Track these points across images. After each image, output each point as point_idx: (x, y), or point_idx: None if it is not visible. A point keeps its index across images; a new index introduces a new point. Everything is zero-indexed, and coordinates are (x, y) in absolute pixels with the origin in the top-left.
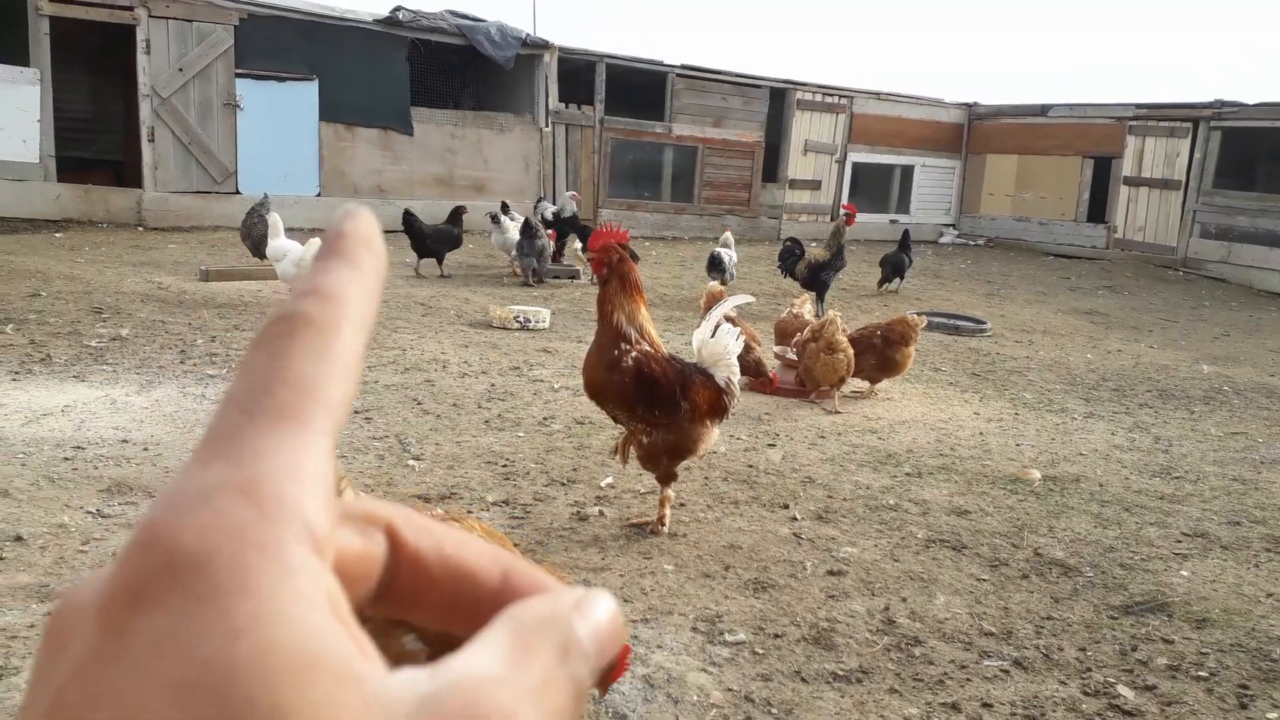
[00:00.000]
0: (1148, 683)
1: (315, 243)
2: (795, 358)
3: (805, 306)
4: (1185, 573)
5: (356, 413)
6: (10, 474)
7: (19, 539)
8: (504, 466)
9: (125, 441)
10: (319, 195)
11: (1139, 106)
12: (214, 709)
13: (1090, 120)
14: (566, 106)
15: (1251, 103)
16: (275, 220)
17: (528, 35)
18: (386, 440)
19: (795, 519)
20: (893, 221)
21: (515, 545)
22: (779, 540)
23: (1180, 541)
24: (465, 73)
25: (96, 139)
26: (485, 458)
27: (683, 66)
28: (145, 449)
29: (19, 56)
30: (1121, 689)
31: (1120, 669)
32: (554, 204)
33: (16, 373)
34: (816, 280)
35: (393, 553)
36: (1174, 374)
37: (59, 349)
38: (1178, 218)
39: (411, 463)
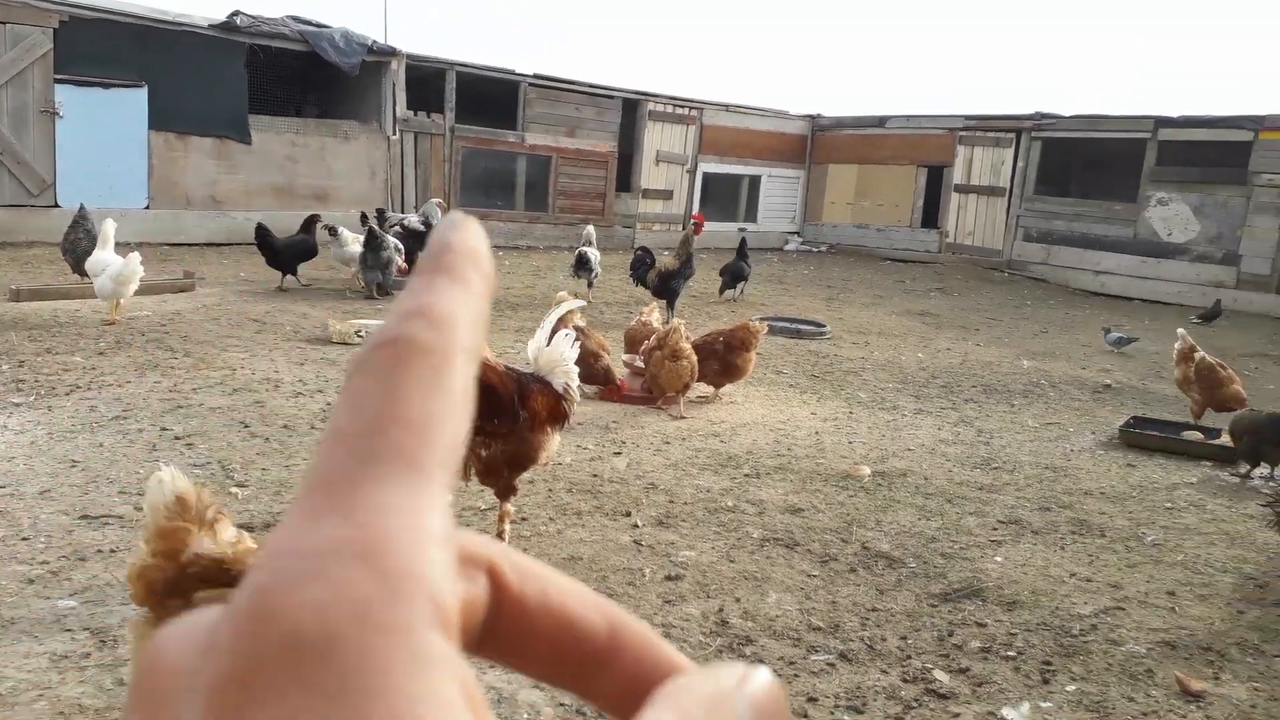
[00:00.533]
0: (961, 665)
1: (136, 257)
2: (643, 365)
3: (654, 314)
4: (999, 558)
5: (177, 439)
6: None
7: None
8: None
9: None
10: (148, 207)
11: (968, 118)
12: None
13: (924, 131)
14: (416, 114)
15: (1067, 114)
16: (107, 229)
17: (374, 42)
18: (208, 467)
19: (637, 526)
20: (741, 230)
21: None
22: (619, 549)
23: (996, 529)
24: (308, 80)
25: None
26: None
27: (535, 76)
28: None
29: None
30: (937, 673)
31: (937, 654)
32: (417, 214)
33: None
34: (666, 288)
35: (495, 597)
36: (997, 370)
37: None
38: (1003, 223)
39: (234, 490)
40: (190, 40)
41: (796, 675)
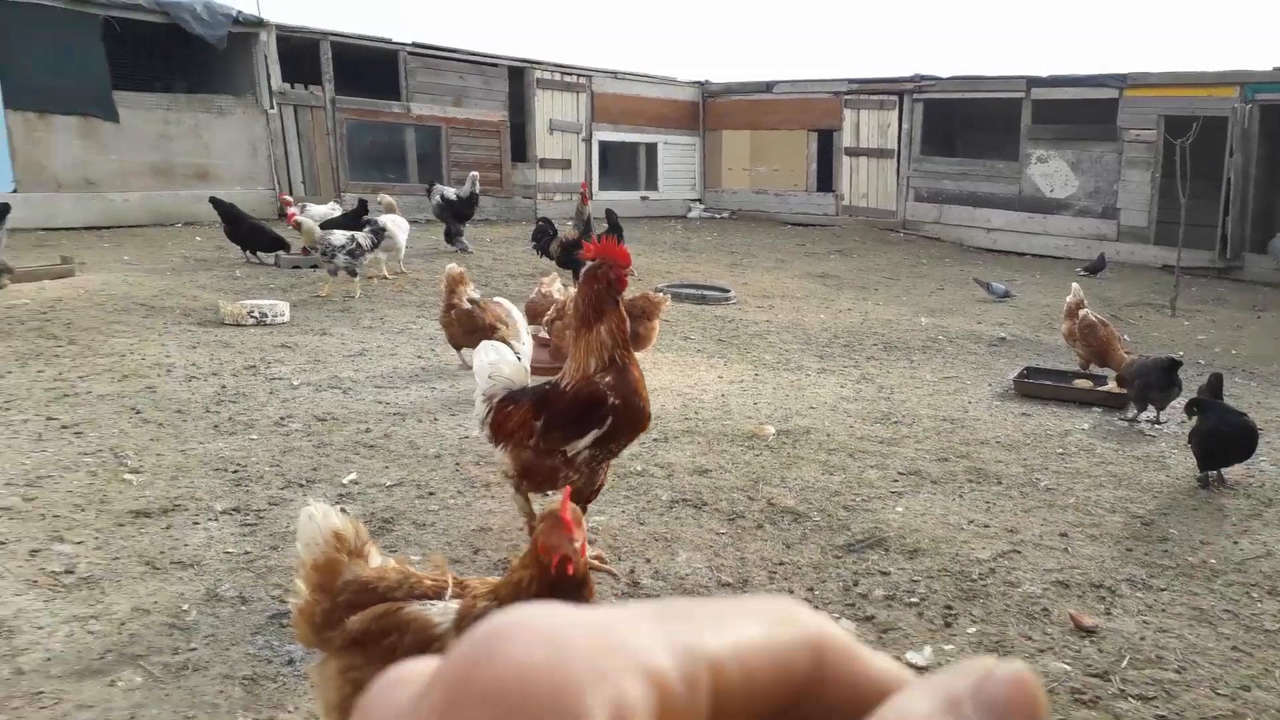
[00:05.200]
0: (867, 613)
1: None
2: (546, 335)
3: (554, 285)
4: (900, 509)
5: (64, 428)
6: None
7: None
8: (234, 472)
9: None
10: (15, 191)
11: (851, 81)
12: None
13: (811, 95)
14: (293, 87)
15: (945, 76)
16: None
17: (239, 12)
18: (100, 455)
19: (546, 495)
20: (644, 199)
21: (246, 553)
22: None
23: (896, 481)
24: (174, 54)
25: None
26: (214, 465)
27: (414, 44)
28: None
29: None
30: (844, 622)
31: (844, 604)
32: (450, 186)
33: None
34: (569, 259)
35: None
36: (896, 327)
37: None
38: (894, 184)
39: (129, 477)
40: (40, 14)
41: None
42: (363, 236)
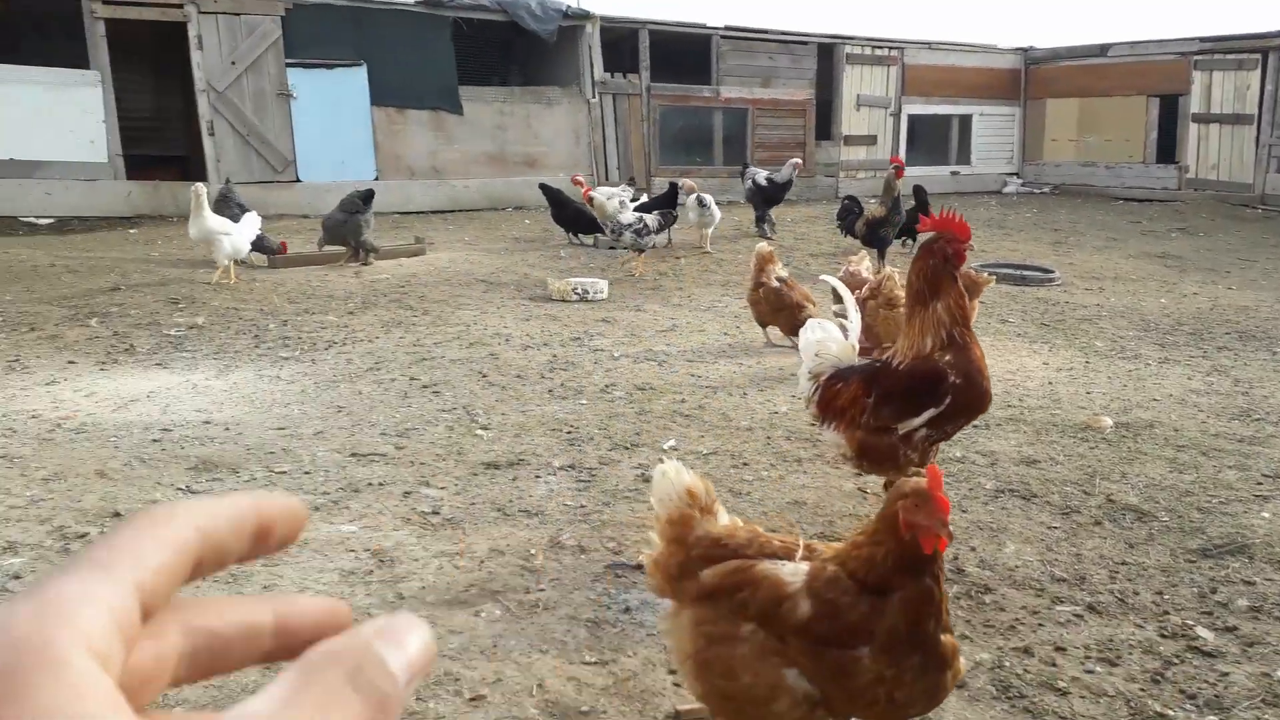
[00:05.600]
0: (1228, 624)
1: (253, 217)
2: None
3: (863, 264)
4: (1266, 514)
5: (425, 387)
6: (105, 456)
7: (116, 515)
8: (568, 433)
9: (208, 423)
10: (376, 179)
11: (1204, 40)
12: None
13: (1152, 58)
14: (612, 76)
15: None
16: (199, 192)
17: (568, 7)
18: (455, 412)
19: (860, 473)
20: (954, 174)
21: (582, 506)
22: (844, 495)
23: (1261, 484)
24: (510, 49)
25: (161, 135)
26: (550, 425)
27: (726, 28)
28: (227, 429)
29: (79, 60)
30: (1201, 630)
31: (1199, 611)
32: (762, 170)
33: (104, 363)
34: (876, 237)
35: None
36: (1254, 315)
37: (141, 339)
38: (1252, 154)
39: (480, 432)
40: (400, 18)
41: (1041, 625)
42: (651, 218)
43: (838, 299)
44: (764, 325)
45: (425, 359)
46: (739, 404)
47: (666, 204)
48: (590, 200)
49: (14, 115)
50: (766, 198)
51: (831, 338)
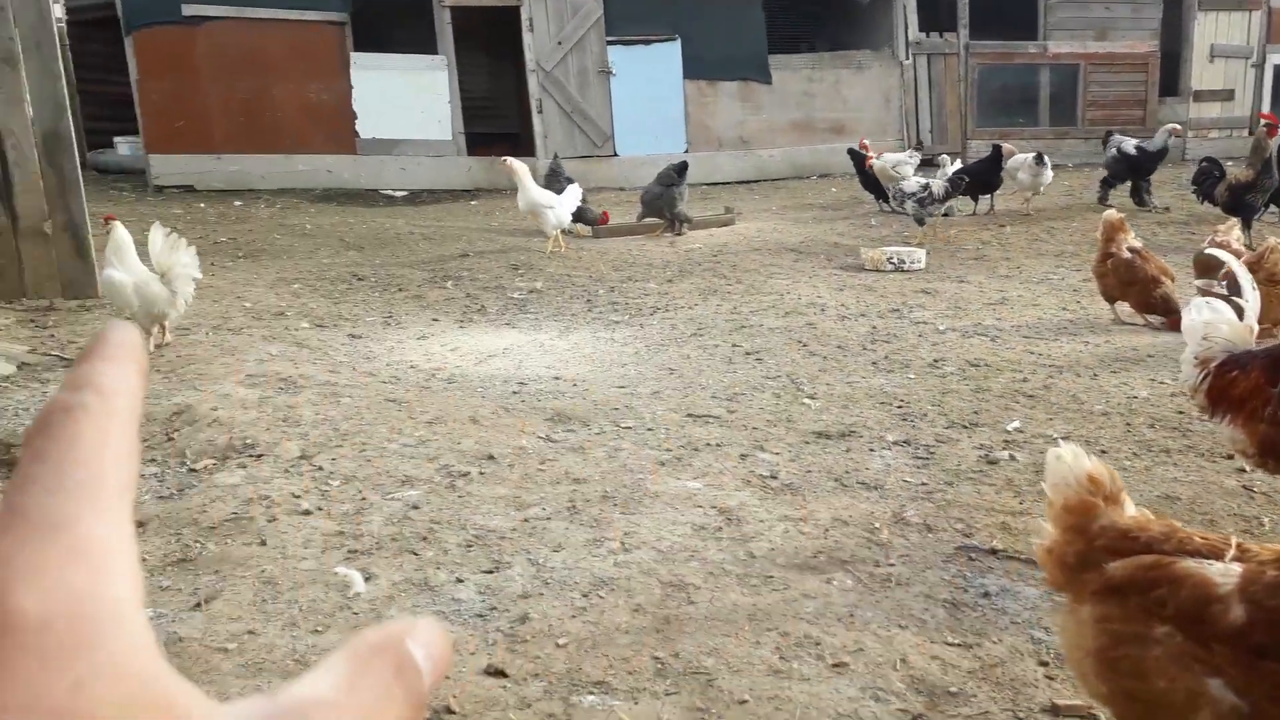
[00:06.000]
0: None
1: (576, 190)
2: (1224, 291)
3: (1232, 233)
4: None
5: (747, 354)
6: (475, 404)
7: (490, 458)
8: (899, 408)
9: (557, 378)
10: (686, 151)
11: None
12: None
13: None
14: (928, 36)
15: None
16: (519, 170)
17: None
18: (779, 380)
19: (1246, 470)
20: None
21: (924, 484)
22: (1225, 493)
23: None
24: (821, 14)
25: (495, 114)
26: (878, 398)
27: None
28: (574, 384)
29: (428, 47)
30: None
31: None
32: (1129, 138)
33: (461, 321)
34: (1241, 203)
35: None
36: None
37: (490, 301)
38: None
39: (806, 401)
40: None
41: None
42: (937, 184)
43: (1204, 273)
44: (1111, 301)
45: (744, 326)
46: (1090, 386)
47: (989, 169)
48: (872, 167)
49: (377, 98)
50: (1134, 167)
51: (1224, 319)
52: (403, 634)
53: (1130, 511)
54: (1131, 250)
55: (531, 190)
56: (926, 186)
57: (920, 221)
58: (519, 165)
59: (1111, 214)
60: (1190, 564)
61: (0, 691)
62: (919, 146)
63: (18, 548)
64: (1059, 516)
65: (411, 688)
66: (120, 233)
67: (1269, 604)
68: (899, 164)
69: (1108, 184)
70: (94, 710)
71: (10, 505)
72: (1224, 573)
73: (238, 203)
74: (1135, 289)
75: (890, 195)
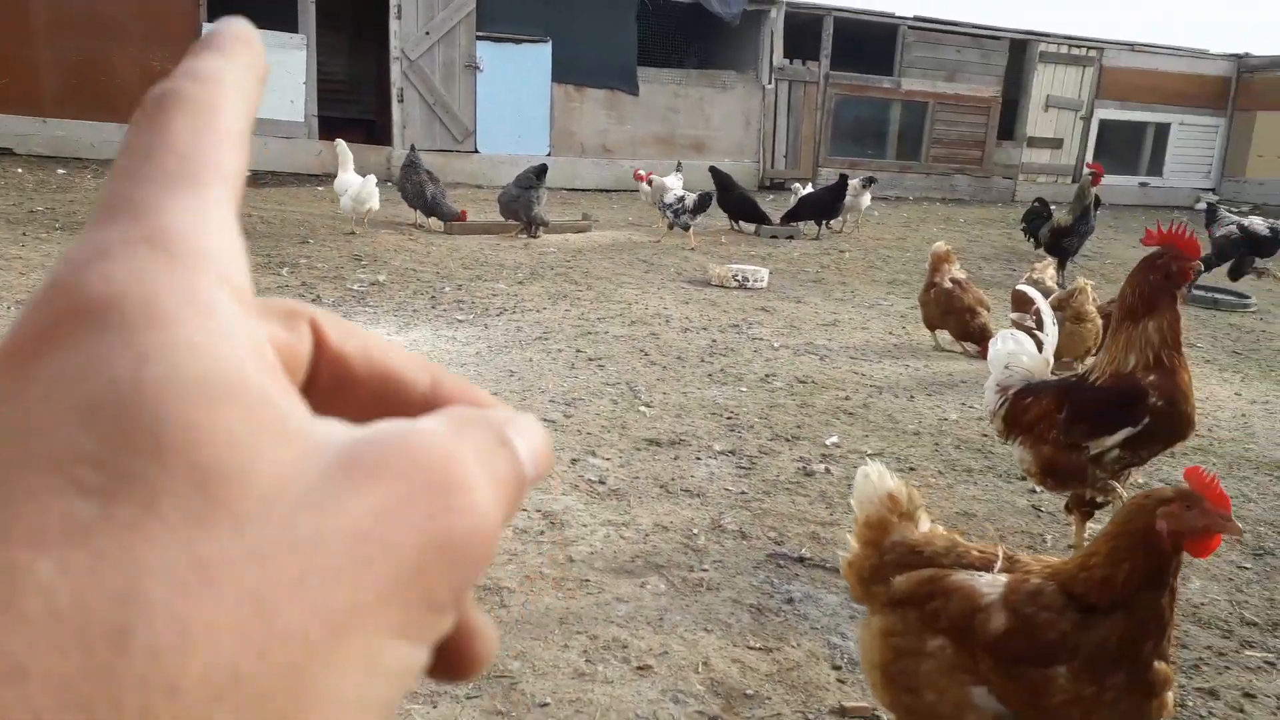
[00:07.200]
0: None
1: (372, 179)
2: (1033, 326)
3: (1047, 271)
4: None
5: (590, 360)
6: None
7: None
8: (728, 419)
9: None
10: (549, 154)
11: None
12: (122, 426)
13: None
14: (791, 63)
15: None
16: (342, 151)
17: None
18: (618, 387)
19: (1035, 490)
20: (1143, 185)
21: (743, 493)
22: (1016, 511)
23: None
24: (690, 31)
25: (352, 99)
26: (710, 409)
27: (915, 18)
28: None
29: (288, 24)
30: None
31: None
32: (1259, 217)
33: None
34: (1058, 246)
35: (317, 347)
36: None
37: (326, 291)
38: None
39: (642, 409)
40: None
41: (1228, 668)
42: (690, 198)
43: (1019, 307)
44: (932, 328)
45: (590, 333)
46: (905, 406)
47: (833, 196)
48: (650, 182)
49: None
50: (1258, 248)
51: (1024, 350)
52: (503, 421)
53: (924, 528)
54: (954, 281)
55: (340, 176)
56: (681, 199)
57: (685, 227)
58: (344, 149)
59: (939, 245)
60: (962, 576)
61: (60, 368)
62: (679, 168)
63: (87, 234)
64: (860, 532)
65: (512, 464)
66: None
67: (1026, 611)
68: (668, 183)
69: (1209, 265)
70: (164, 384)
71: (97, 200)
72: (990, 583)
73: (61, 170)
74: (954, 318)
75: (657, 205)
